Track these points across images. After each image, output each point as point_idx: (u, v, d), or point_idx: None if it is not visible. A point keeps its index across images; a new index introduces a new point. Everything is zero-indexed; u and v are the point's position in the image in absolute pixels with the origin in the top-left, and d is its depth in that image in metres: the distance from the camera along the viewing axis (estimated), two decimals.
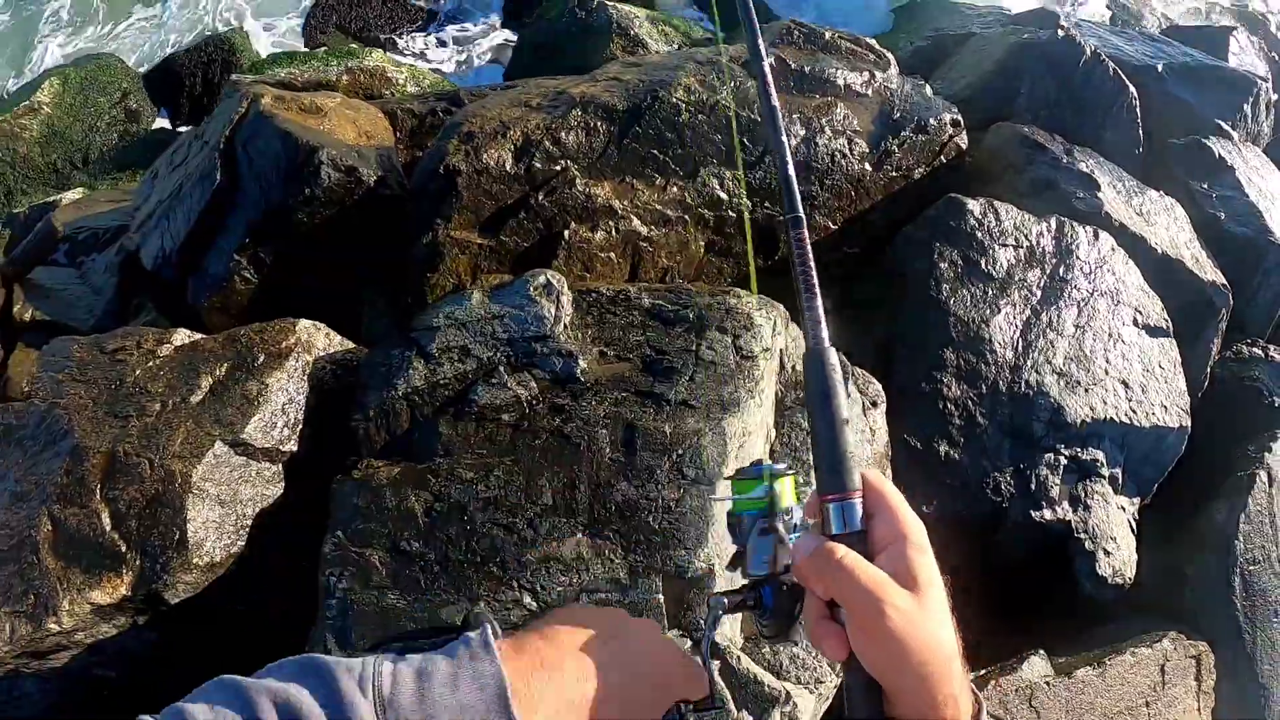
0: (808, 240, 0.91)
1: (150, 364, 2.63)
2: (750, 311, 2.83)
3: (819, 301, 0.87)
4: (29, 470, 2.39)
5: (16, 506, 2.32)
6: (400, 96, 4.58)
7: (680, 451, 2.49)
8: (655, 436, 2.51)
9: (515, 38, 6.03)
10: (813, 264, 0.90)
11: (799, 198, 0.95)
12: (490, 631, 0.77)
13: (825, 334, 0.85)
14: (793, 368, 3.01)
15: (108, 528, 2.34)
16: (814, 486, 0.82)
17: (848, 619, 0.74)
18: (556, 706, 0.75)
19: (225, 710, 0.69)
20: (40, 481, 2.35)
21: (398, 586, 2.32)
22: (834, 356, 0.85)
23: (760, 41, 1.07)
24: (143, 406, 2.51)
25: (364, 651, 2.24)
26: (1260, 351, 4.11)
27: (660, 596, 2.36)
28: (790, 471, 0.88)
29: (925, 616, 0.72)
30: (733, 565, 0.90)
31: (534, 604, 2.30)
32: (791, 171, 0.98)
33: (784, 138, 1.00)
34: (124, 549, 2.33)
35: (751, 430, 2.66)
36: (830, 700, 2.71)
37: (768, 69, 1.04)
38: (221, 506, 2.45)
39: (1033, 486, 3.30)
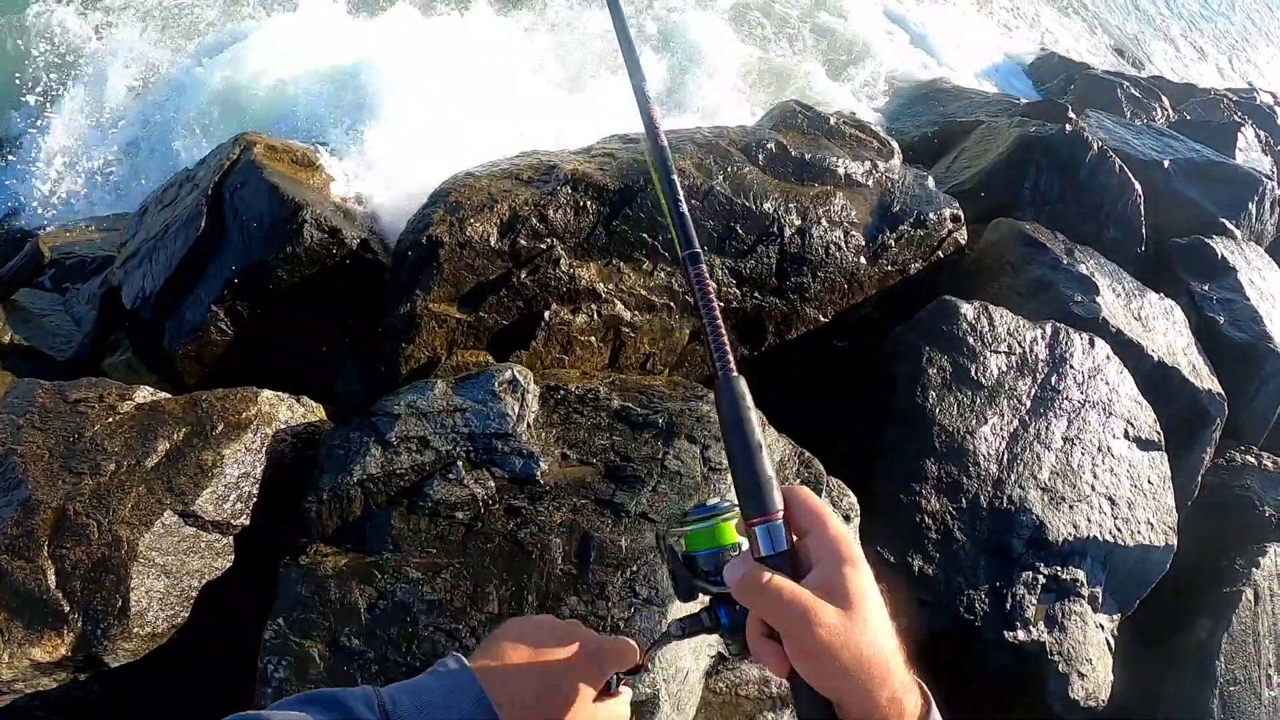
0: (706, 275, 0.97)
1: (110, 419, 2.58)
2: None
3: (724, 334, 0.92)
4: None
5: None
6: None
7: (635, 568, 2.42)
8: (610, 550, 2.43)
9: None
10: (714, 298, 0.95)
11: (694, 234, 1.00)
12: (460, 657, 0.91)
13: (732, 363, 0.90)
14: None
15: (52, 585, 2.30)
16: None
17: (783, 636, 0.77)
18: (521, 698, 0.87)
19: None
20: None
21: (333, 682, 2.24)
22: (743, 385, 0.89)
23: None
24: (98, 465, 2.47)
25: None
26: (1254, 459, 4.02)
27: None
28: (733, 510, 0.90)
29: (856, 628, 0.74)
30: (686, 595, 0.93)
31: None
32: (685, 209, 1.02)
33: (670, 162, 1.06)
34: (67, 609, 2.29)
35: None
36: None
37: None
38: (167, 577, 2.40)
39: (1008, 605, 3.21)
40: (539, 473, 2.54)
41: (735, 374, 0.89)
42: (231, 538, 2.56)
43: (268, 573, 2.47)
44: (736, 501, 0.89)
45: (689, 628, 0.91)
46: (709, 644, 2.58)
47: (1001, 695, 3.29)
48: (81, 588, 2.30)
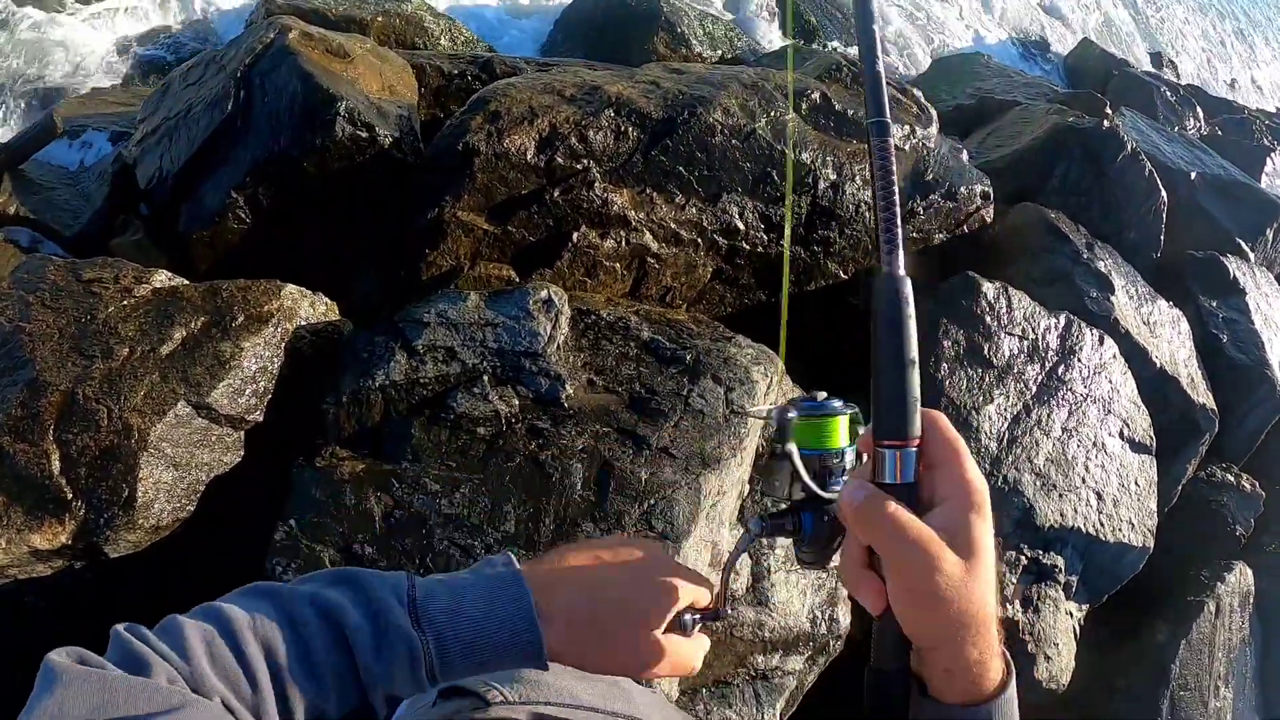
0: (891, 149, 0.83)
1: (125, 302, 2.50)
2: (748, 365, 2.76)
3: (899, 223, 0.80)
4: None
5: None
6: (432, 51, 4.41)
7: (652, 502, 2.43)
8: (630, 481, 2.44)
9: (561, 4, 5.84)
10: (895, 178, 0.81)
11: (886, 101, 0.84)
12: (511, 556, 0.83)
13: (901, 260, 0.78)
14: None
15: (56, 471, 2.22)
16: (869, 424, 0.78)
17: (889, 574, 0.71)
18: (571, 616, 0.79)
19: (264, 618, 0.72)
20: None
21: None
22: (908, 288, 0.78)
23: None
24: (110, 349, 2.38)
25: None
26: (1233, 478, 4.13)
27: None
28: (848, 411, 0.83)
29: (971, 581, 0.69)
30: (774, 490, 0.86)
31: None
32: (880, 68, 0.87)
33: (874, 26, 0.89)
34: (70, 496, 2.22)
35: (727, 490, 2.61)
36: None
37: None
38: (176, 469, 2.34)
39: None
40: (564, 395, 2.53)
41: (902, 273, 0.78)
42: (243, 433, 2.51)
43: (279, 472, 2.43)
44: (850, 405, 0.83)
45: (769, 529, 0.84)
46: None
47: None
48: (86, 475, 2.24)
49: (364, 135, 3.17)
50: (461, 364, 2.53)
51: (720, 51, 5.44)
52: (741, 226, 3.52)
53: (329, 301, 2.88)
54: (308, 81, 3.13)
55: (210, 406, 2.40)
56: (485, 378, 2.52)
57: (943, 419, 0.77)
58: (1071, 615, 3.50)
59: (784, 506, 0.84)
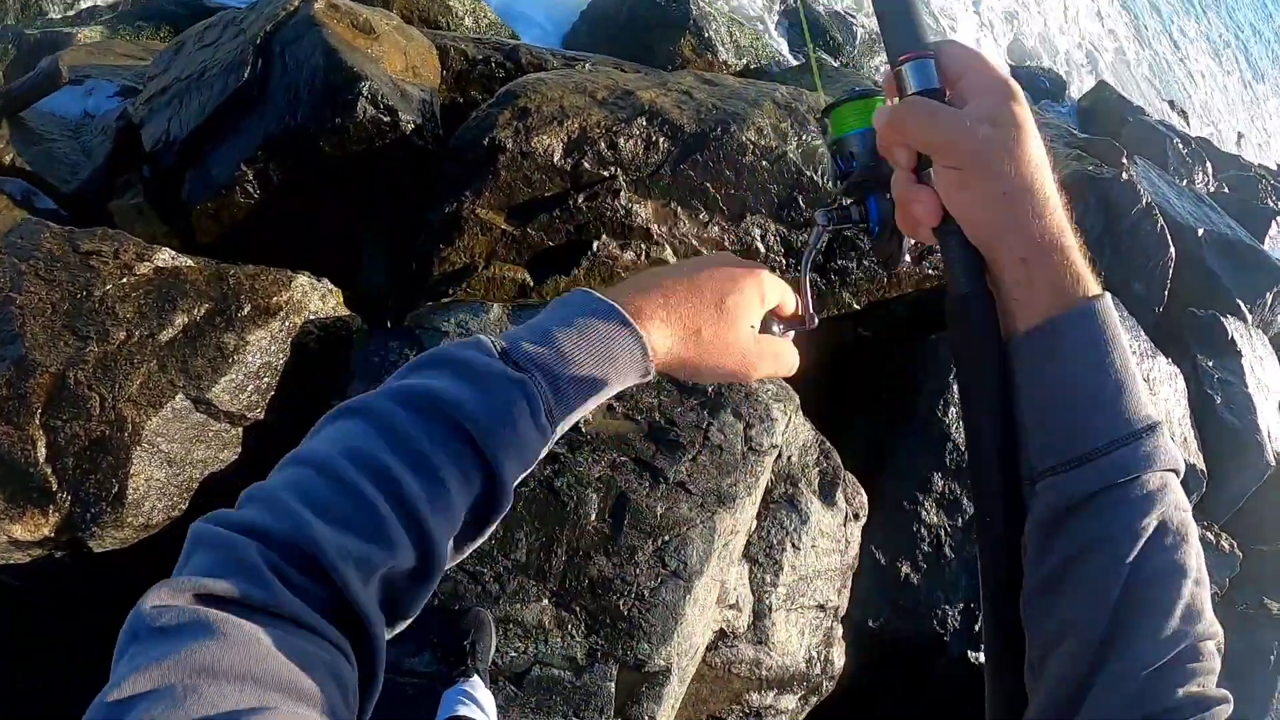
0: None
1: (124, 280, 2.35)
2: (769, 401, 2.69)
3: None
4: None
5: None
6: (457, 32, 4.25)
7: (667, 538, 2.36)
8: (645, 516, 2.36)
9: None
10: None
11: None
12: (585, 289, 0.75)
13: None
14: (788, 459, 2.89)
15: (42, 459, 2.08)
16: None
17: (937, 168, 0.65)
18: (666, 316, 0.73)
19: (358, 443, 0.62)
20: None
21: None
22: None
23: None
24: (106, 330, 2.24)
25: None
26: (1213, 537, 4.17)
27: (612, 685, 2.24)
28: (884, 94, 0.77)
29: (1020, 153, 0.63)
30: (840, 187, 0.80)
31: None
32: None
33: None
34: (55, 487, 2.08)
35: (739, 529, 2.55)
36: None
37: None
38: (170, 466, 2.21)
39: (976, 628, 3.27)
40: (582, 421, 2.44)
41: None
42: (242, 430, 2.38)
43: None
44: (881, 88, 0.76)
45: (836, 218, 0.80)
46: (715, 620, 2.56)
47: (956, 706, 3.39)
48: (74, 466, 2.10)
49: (386, 119, 3.04)
50: None
51: (745, 60, 5.33)
52: (762, 249, 3.45)
53: (338, 293, 2.76)
54: (331, 57, 2.99)
55: (210, 402, 2.27)
56: None
57: (954, 40, 0.71)
58: None
59: (846, 202, 0.80)
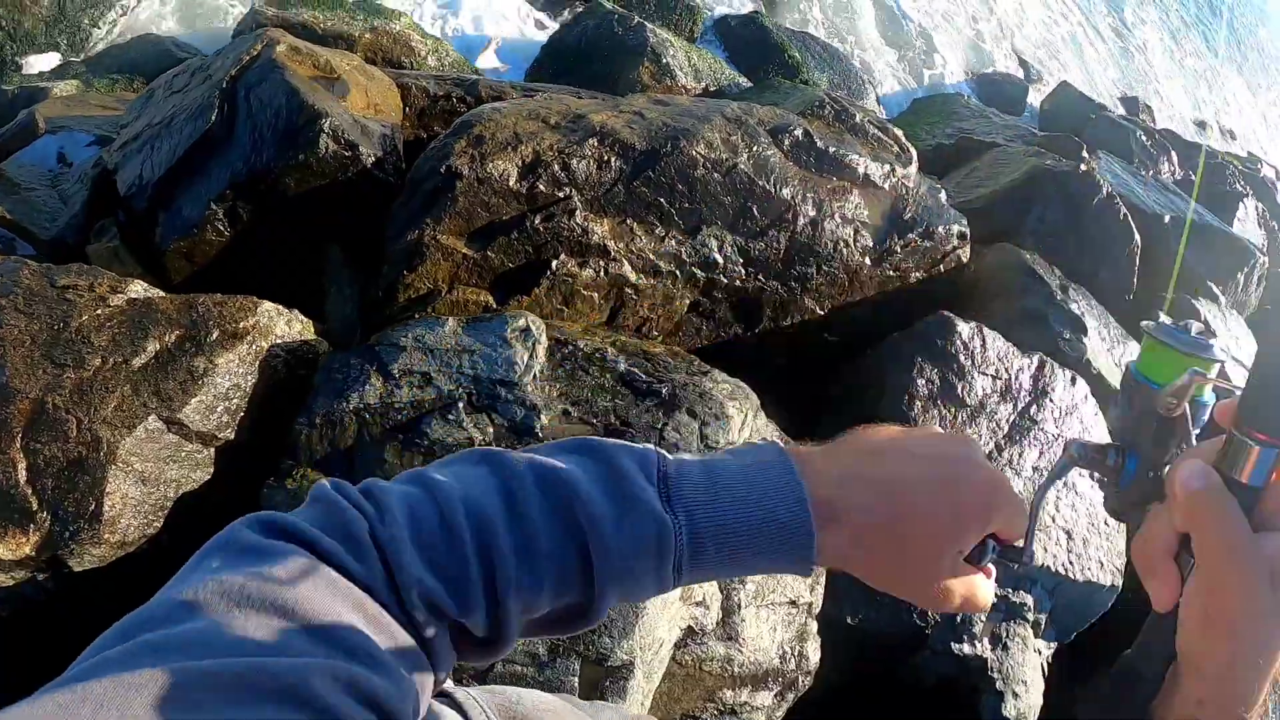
0: None
1: (99, 311, 2.47)
2: (724, 400, 2.76)
3: None
4: None
5: None
6: (418, 70, 4.41)
7: None
8: None
9: (550, 29, 5.88)
10: None
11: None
12: (780, 445, 0.68)
13: None
14: None
15: (22, 480, 2.18)
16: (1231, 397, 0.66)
17: (1197, 583, 0.60)
18: (864, 517, 0.65)
19: (479, 490, 0.60)
20: None
21: None
22: None
23: None
24: (82, 358, 2.35)
25: None
26: None
27: (575, 679, 2.29)
28: (1210, 363, 0.70)
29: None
30: (1116, 414, 0.74)
31: None
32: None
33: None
34: (35, 507, 2.18)
35: None
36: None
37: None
38: (144, 484, 2.31)
39: (959, 619, 3.29)
40: (539, 425, 2.52)
41: None
42: (214, 450, 2.48)
43: (249, 492, 2.40)
44: (1215, 357, 0.69)
45: (1089, 458, 0.73)
46: (682, 617, 2.61)
47: (936, 706, 3.39)
48: (53, 486, 2.20)
49: (347, 154, 3.17)
50: (437, 390, 2.52)
51: (704, 84, 5.49)
52: (720, 260, 3.54)
53: (305, 320, 2.86)
54: (293, 97, 3.13)
55: (181, 422, 2.38)
56: (460, 404, 2.50)
57: None
58: (1040, 653, 3.51)
59: (1105, 442, 0.73)
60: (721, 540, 0.62)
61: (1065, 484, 3.55)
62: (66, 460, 2.21)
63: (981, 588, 0.71)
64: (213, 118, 3.14)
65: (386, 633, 0.55)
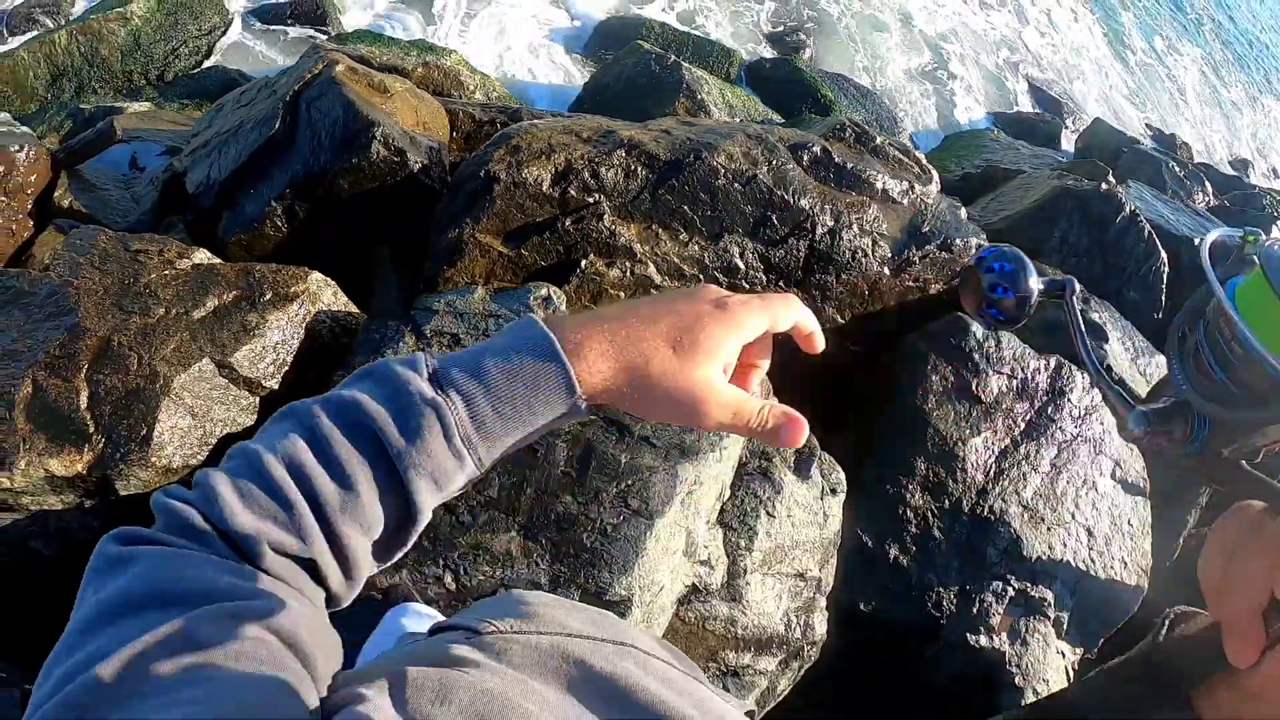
0: None
1: (166, 272, 2.76)
2: None
3: None
4: (26, 334, 2.51)
5: (5, 363, 2.43)
6: (466, 100, 4.78)
7: (630, 482, 2.56)
8: (609, 463, 2.58)
9: (592, 69, 6.28)
10: None
11: None
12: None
13: None
14: None
15: (83, 405, 2.43)
16: None
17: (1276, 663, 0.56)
18: (604, 350, 0.69)
19: (286, 439, 0.66)
20: (34, 346, 2.46)
21: None
22: None
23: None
24: (148, 308, 2.63)
25: None
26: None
27: None
28: None
29: None
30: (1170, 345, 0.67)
31: (453, 585, 2.36)
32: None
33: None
34: (92, 429, 2.41)
35: (704, 481, 2.73)
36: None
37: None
38: (192, 418, 2.54)
39: (975, 610, 3.31)
40: None
41: None
42: (258, 398, 2.72)
43: None
44: None
45: (1152, 421, 0.69)
46: (686, 573, 2.71)
47: (950, 700, 3.38)
48: (110, 412, 2.45)
49: (396, 159, 3.47)
50: (464, 349, 2.72)
51: (739, 119, 5.76)
52: (741, 266, 3.72)
53: (348, 300, 3.12)
54: (349, 108, 3.46)
55: (232, 366, 2.63)
56: None
57: None
58: (1064, 655, 3.48)
59: (1170, 402, 0.65)
60: (495, 403, 0.67)
61: (1086, 482, 3.57)
62: (125, 390, 2.46)
63: (743, 407, 0.72)
64: (276, 126, 3.48)
65: (252, 578, 0.63)
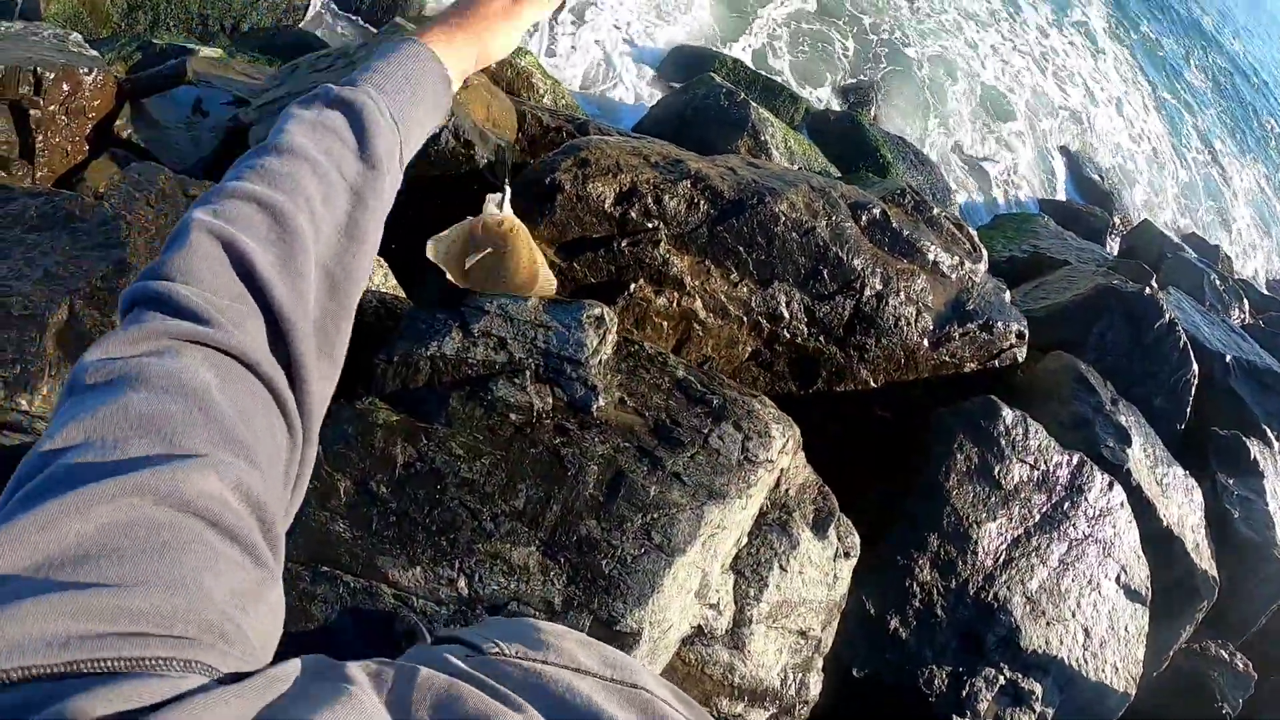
0: None
1: None
2: (770, 421, 2.91)
3: None
4: (71, 259, 2.49)
5: (45, 284, 2.41)
6: (535, 103, 4.80)
7: (655, 515, 2.56)
8: (638, 493, 2.58)
9: (661, 94, 6.32)
10: None
11: None
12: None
13: None
14: (785, 490, 3.08)
15: None
16: None
17: None
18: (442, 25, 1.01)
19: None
20: (76, 274, 2.43)
21: (349, 519, 2.38)
22: None
23: None
24: None
25: (299, 564, 2.30)
26: (1227, 655, 4.11)
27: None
28: None
29: None
30: None
31: (465, 589, 2.35)
32: None
33: None
34: None
35: (727, 526, 2.72)
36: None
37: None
38: None
39: (965, 693, 3.30)
40: (595, 406, 2.70)
41: None
42: None
43: None
44: None
45: None
46: (695, 614, 2.71)
47: None
48: None
49: (464, 151, 3.48)
50: (509, 354, 2.72)
51: (797, 165, 5.79)
52: (786, 315, 3.73)
53: (397, 284, 3.12)
54: None
55: None
56: (528, 372, 2.70)
57: None
58: None
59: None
60: (390, 88, 0.90)
61: (1090, 582, 3.57)
62: None
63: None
64: None
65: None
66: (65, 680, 0.39)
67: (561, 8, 1.14)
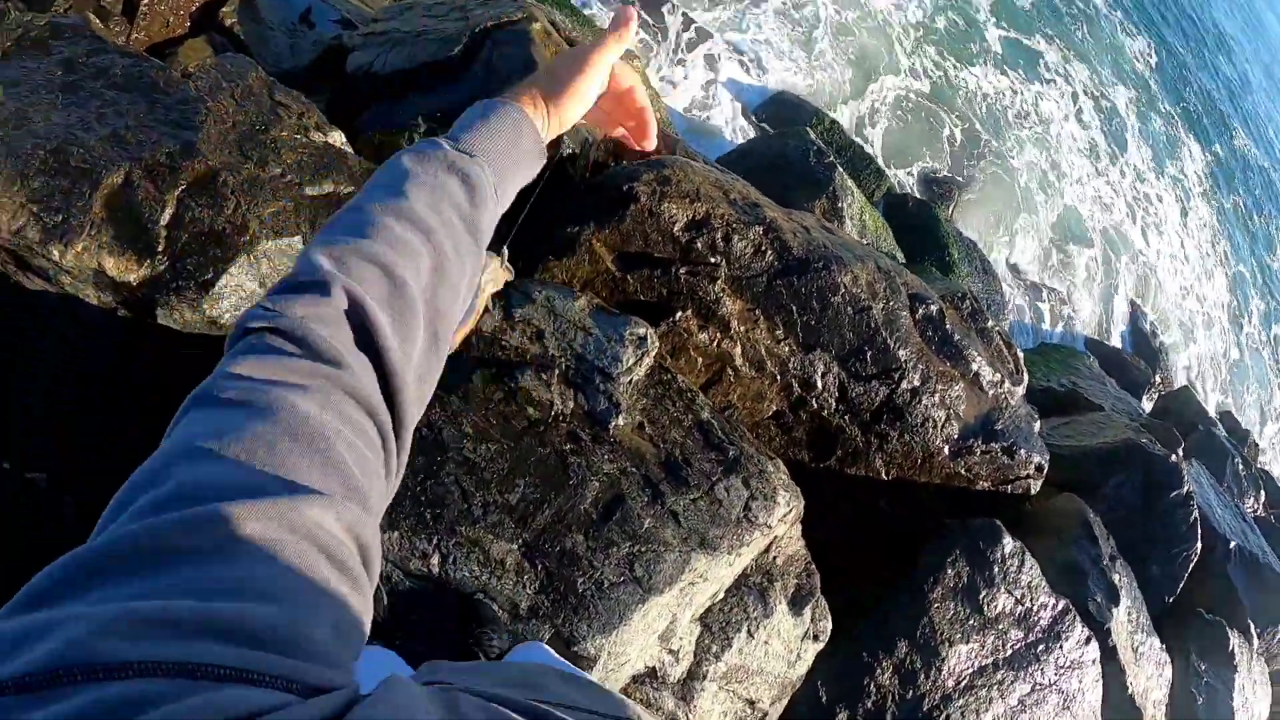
0: None
1: (299, 137, 2.70)
2: (778, 486, 2.85)
3: None
4: (142, 126, 2.43)
5: (110, 144, 2.36)
6: None
7: (642, 548, 2.50)
8: (633, 521, 2.52)
9: (752, 133, 6.30)
10: None
11: None
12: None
13: None
14: (774, 557, 3.02)
15: (163, 222, 2.33)
16: None
17: None
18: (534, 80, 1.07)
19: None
20: (143, 143, 2.37)
21: None
22: None
23: None
24: (266, 161, 2.56)
25: None
26: None
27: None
28: None
29: None
30: None
31: (437, 569, 2.30)
32: None
33: None
34: (161, 248, 2.31)
35: (709, 579, 2.67)
36: None
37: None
38: (259, 286, 2.46)
39: None
40: (613, 423, 2.65)
41: None
42: None
43: None
44: None
45: None
46: (653, 655, 2.65)
47: None
48: (186, 241, 2.34)
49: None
50: (544, 348, 2.68)
51: (866, 241, 5.75)
52: (820, 385, 3.67)
53: None
54: (531, 64, 3.44)
55: None
56: (556, 371, 2.66)
57: None
58: None
59: None
60: (496, 159, 0.98)
61: None
62: (210, 228, 2.36)
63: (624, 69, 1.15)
64: (456, 50, 3.46)
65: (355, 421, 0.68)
66: (176, 679, 0.43)
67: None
